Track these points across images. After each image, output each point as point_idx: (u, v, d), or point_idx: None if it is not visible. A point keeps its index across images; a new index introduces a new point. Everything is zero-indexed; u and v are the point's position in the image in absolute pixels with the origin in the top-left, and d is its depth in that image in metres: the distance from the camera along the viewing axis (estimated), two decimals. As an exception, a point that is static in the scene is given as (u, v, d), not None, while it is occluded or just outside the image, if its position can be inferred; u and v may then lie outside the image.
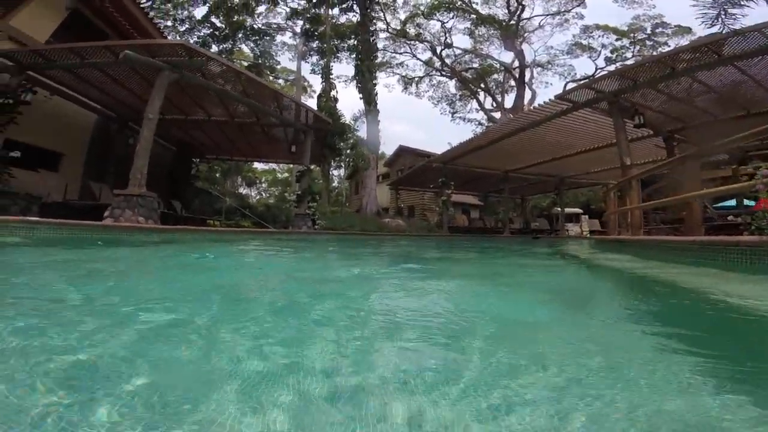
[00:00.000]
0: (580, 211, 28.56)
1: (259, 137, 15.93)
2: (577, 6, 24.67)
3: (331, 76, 22.45)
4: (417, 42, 28.63)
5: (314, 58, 25.46)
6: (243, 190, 49.98)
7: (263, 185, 48.83)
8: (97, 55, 9.14)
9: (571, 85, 20.80)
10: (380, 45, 28.41)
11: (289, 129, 14.13)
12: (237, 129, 14.95)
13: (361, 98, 20.50)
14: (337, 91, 22.26)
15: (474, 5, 25.16)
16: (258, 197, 44.57)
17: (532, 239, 19.48)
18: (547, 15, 25.50)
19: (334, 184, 54.49)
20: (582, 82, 21.97)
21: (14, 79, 8.32)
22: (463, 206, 28.81)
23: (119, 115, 12.53)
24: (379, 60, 29.09)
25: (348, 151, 19.96)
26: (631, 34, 23.38)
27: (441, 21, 26.29)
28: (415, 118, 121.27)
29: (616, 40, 24.05)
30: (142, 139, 7.73)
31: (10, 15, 9.27)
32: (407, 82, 31.89)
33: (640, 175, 6.99)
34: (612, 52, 23.93)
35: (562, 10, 25.05)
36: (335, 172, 50.63)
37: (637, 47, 24.23)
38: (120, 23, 11.70)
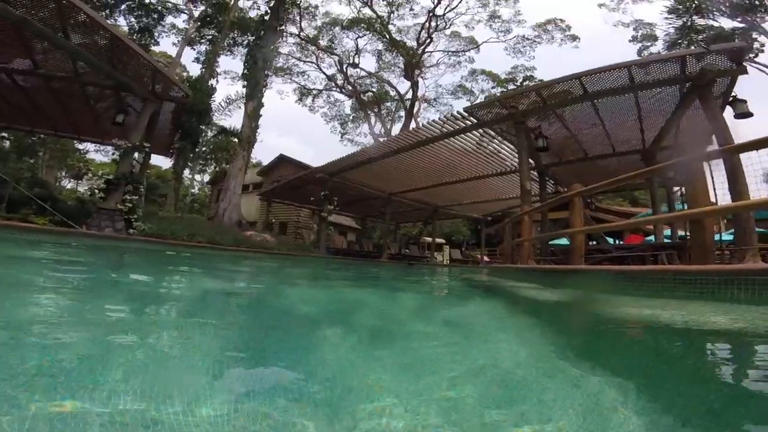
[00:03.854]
0: (443, 241, 29.00)
1: (79, 103, 10.35)
2: (473, 49, 25.64)
3: (216, 66, 17.51)
4: (325, 54, 26.41)
5: (203, 47, 20.01)
6: (67, 183, 36.95)
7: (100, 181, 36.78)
8: None
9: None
10: (285, 50, 25.08)
11: (131, 98, 9.26)
12: (42, 87, 9.29)
13: (244, 86, 16.21)
14: (217, 81, 17.46)
15: (390, 29, 24.18)
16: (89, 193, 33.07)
17: (408, 265, 17.85)
18: (447, 52, 25.97)
19: (193, 190, 45.52)
20: (491, 96, 23.11)
21: None
22: (341, 228, 26.05)
23: None
24: (280, 64, 25.41)
25: (209, 142, 15.09)
26: (505, 84, 25.08)
27: (358, 36, 24.68)
28: (304, 134, 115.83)
29: (492, 88, 25.51)
30: None
31: None
32: (304, 93, 29.05)
33: (584, 193, 5.08)
34: (486, 98, 25.19)
35: (460, 50, 25.69)
36: (197, 177, 42.51)
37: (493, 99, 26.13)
38: None
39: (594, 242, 9.24)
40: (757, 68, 14.72)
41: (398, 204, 19.54)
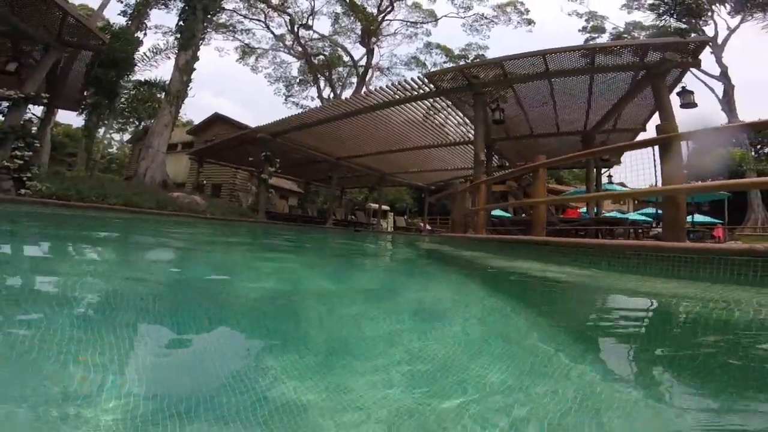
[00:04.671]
0: (388, 207, 29.00)
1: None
2: (432, 22, 24.68)
3: (145, 19, 14.30)
4: (276, 13, 23.72)
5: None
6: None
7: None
8: None
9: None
10: (230, 5, 21.96)
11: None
12: None
13: (176, 39, 13.61)
14: (145, 35, 14.38)
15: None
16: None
17: (354, 231, 17.53)
18: (406, 22, 25.02)
19: (111, 150, 39.64)
20: (452, 66, 22.76)
21: None
22: (282, 191, 24.65)
23: None
24: (222, 20, 22.17)
25: (129, 96, 12.73)
26: (458, 60, 24.79)
27: (314, -3, 22.35)
28: (244, 96, 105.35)
29: (444, 62, 25.05)
30: None
31: None
32: (247, 51, 26.13)
33: (549, 164, 5.00)
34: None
35: (419, 21, 24.83)
36: (116, 137, 36.97)
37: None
38: None
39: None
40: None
41: (346, 169, 18.76)
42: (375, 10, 23.21)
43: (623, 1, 18.78)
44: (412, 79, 9.03)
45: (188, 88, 13.00)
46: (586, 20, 21.04)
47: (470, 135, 13.24)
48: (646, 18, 18.56)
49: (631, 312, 2.25)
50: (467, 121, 11.82)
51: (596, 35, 20.84)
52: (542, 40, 24.31)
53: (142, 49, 13.46)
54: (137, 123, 15.90)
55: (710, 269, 2.64)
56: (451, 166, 17.99)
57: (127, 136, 30.05)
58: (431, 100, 10.04)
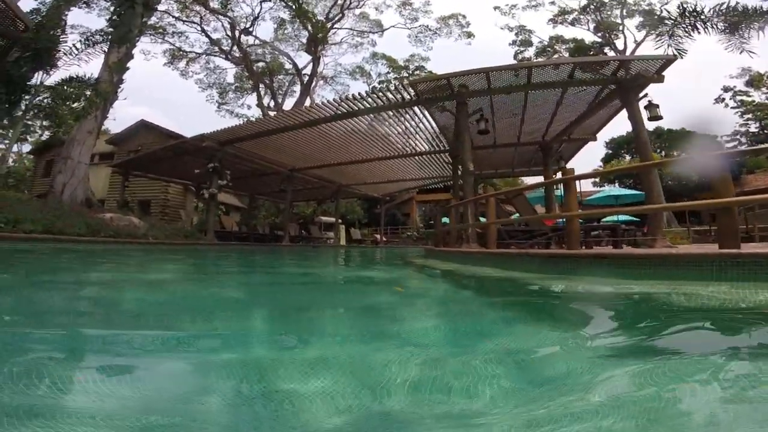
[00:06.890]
0: (340, 220, 28.15)
1: None
2: (378, 32, 24.63)
3: (64, 16, 11.59)
4: (214, 16, 22.10)
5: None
6: None
7: None
8: None
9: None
10: (162, 7, 19.72)
11: None
12: None
13: (105, 35, 11.27)
14: (62, 31, 11.63)
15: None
16: None
17: (312, 248, 16.52)
18: (354, 31, 24.72)
19: (9, 164, 33.18)
20: (436, 74, 21.95)
21: None
22: (225, 207, 22.49)
23: None
24: (151, 22, 19.67)
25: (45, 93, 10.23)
26: (400, 70, 25.02)
27: (261, 2, 21.58)
28: (165, 104, 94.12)
29: (388, 73, 25.12)
30: None
31: None
32: (177, 55, 23.69)
33: (581, 177, 4.86)
34: (380, 83, 24.72)
35: (367, 31, 24.66)
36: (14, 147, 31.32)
37: (396, 82, 26.07)
38: None
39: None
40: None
41: (299, 181, 17.61)
42: (324, 18, 22.60)
43: (549, 16, 20.80)
44: (395, 86, 8.65)
45: (119, 90, 10.99)
46: (516, 34, 22.76)
47: (416, 146, 13.28)
48: (567, 32, 20.67)
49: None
50: (413, 131, 11.77)
51: (523, 49, 22.64)
52: (478, 54, 25.80)
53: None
54: (54, 127, 12.70)
55: None
56: (408, 176, 17.92)
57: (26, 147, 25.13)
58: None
